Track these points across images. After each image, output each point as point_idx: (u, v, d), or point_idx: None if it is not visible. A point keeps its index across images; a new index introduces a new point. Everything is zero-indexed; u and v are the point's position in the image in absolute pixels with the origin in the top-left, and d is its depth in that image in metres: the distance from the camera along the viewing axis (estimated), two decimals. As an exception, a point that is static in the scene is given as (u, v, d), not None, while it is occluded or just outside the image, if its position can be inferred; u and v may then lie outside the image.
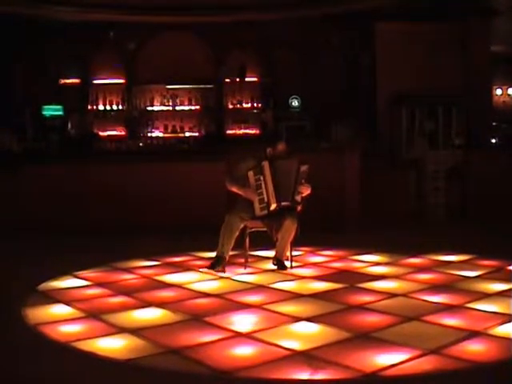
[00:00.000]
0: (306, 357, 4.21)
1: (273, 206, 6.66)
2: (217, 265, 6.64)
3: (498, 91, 16.29)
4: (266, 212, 6.68)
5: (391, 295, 5.67)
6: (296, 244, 6.93)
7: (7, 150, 9.87)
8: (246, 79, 14.08)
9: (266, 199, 6.66)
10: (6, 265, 7.25)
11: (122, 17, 13.10)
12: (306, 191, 6.81)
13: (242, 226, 6.67)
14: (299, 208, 6.79)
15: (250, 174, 6.72)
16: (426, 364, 4.07)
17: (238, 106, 14.14)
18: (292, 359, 4.19)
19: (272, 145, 6.89)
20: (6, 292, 6.03)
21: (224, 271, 6.64)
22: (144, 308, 5.40)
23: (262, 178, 6.67)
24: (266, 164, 6.71)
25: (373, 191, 9.43)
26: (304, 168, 6.77)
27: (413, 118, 13.04)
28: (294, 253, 7.04)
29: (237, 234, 6.67)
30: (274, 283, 6.16)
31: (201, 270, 6.81)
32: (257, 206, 6.69)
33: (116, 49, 13.85)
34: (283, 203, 6.68)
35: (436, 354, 4.21)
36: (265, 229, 6.80)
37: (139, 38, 13.85)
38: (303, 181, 6.79)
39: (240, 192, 6.80)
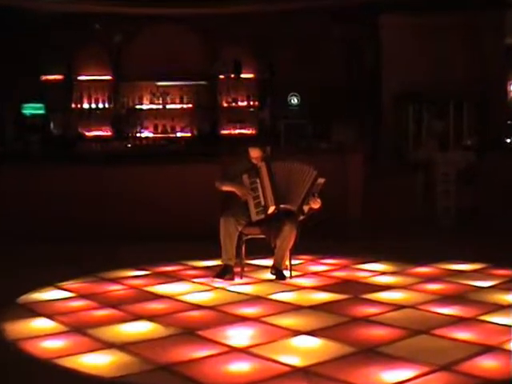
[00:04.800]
0: (306, 373, 4.20)
1: (271, 209, 6.67)
2: (225, 273, 6.68)
3: (513, 87, 16.32)
4: (262, 216, 6.69)
5: (398, 307, 5.67)
6: (295, 252, 6.92)
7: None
8: (242, 75, 14.10)
9: (262, 203, 6.67)
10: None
11: (109, 8, 13.11)
12: (315, 205, 6.78)
13: (239, 228, 6.68)
14: (301, 218, 6.77)
15: (245, 177, 6.75)
16: (436, 381, 4.07)
17: (233, 104, 14.16)
18: (291, 376, 4.18)
19: (253, 147, 6.90)
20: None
21: (233, 279, 6.67)
22: (132, 321, 5.38)
23: (258, 181, 6.68)
24: (262, 165, 6.73)
25: (378, 195, 9.44)
26: (321, 181, 6.74)
27: (421, 117, 13.06)
28: (294, 261, 7.03)
29: (237, 236, 6.68)
30: (272, 294, 6.16)
31: (194, 279, 6.82)
32: (253, 210, 6.70)
33: (102, 43, 13.86)
34: (282, 206, 6.69)
35: (446, 370, 4.21)
36: (262, 236, 6.80)
37: (127, 30, 13.85)
38: (316, 194, 6.76)
39: (233, 189, 6.80)
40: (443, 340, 4.80)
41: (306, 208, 6.76)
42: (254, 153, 6.88)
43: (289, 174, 6.75)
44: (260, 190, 6.69)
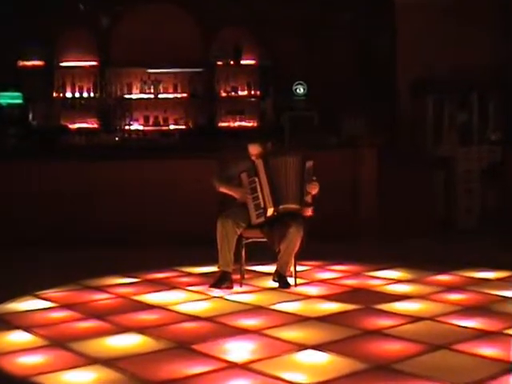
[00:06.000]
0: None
1: (270, 211, 6.67)
2: (222, 281, 6.68)
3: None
4: (262, 219, 6.69)
5: (415, 319, 5.66)
6: (301, 257, 6.93)
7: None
8: (242, 62, 14.06)
9: (262, 204, 6.67)
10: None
11: (95, -14, 13.10)
12: (314, 190, 6.80)
13: (238, 231, 6.67)
14: (310, 211, 6.77)
15: (244, 176, 6.75)
16: (458, 401, 4.07)
17: (233, 93, 14.11)
18: (297, 395, 4.18)
19: (252, 143, 6.90)
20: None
21: (232, 287, 6.67)
22: (120, 334, 5.38)
23: (256, 180, 6.68)
24: (259, 162, 6.73)
25: (393, 194, 9.43)
26: (310, 164, 6.79)
27: (441, 108, 13.02)
28: (299, 267, 7.04)
29: (235, 239, 6.68)
30: (274, 304, 6.17)
31: (189, 288, 6.81)
32: (252, 212, 6.70)
33: (87, 25, 13.81)
34: (285, 206, 6.69)
35: (469, 389, 4.20)
36: (264, 239, 6.79)
37: (114, 11, 13.82)
38: (314, 178, 6.79)
39: (230, 192, 6.83)
40: (465, 356, 4.78)
41: (308, 199, 6.76)
42: (254, 149, 6.89)
43: (285, 169, 6.75)
44: (259, 190, 6.68)
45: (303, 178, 6.74)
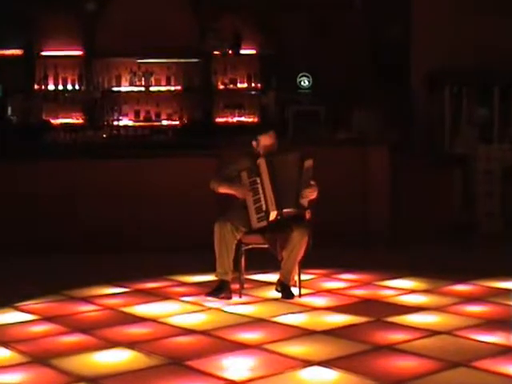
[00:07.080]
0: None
1: (272, 215, 6.67)
2: (220, 291, 6.68)
3: None
4: (264, 223, 6.69)
5: (431, 333, 5.66)
6: (306, 265, 6.93)
7: None
8: (241, 51, 14.08)
9: (264, 207, 6.66)
10: None
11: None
12: (312, 195, 6.79)
13: (237, 237, 6.67)
14: (308, 215, 6.77)
15: (244, 175, 6.74)
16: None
17: (231, 86, 14.13)
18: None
19: (258, 136, 6.88)
20: None
21: (230, 297, 6.69)
22: (108, 349, 5.38)
23: (258, 181, 6.68)
24: (262, 161, 6.72)
25: (406, 196, 9.43)
26: (309, 163, 6.77)
27: (459, 103, 13.03)
28: (304, 276, 7.04)
29: (234, 245, 6.68)
30: (277, 316, 6.17)
31: (183, 298, 6.80)
32: (253, 216, 6.70)
33: (71, 10, 13.82)
34: (285, 210, 6.69)
35: (491, 410, 4.21)
36: (265, 245, 6.79)
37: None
38: (312, 182, 6.77)
39: (231, 190, 6.81)
40: (486, 374, 4.77)
41: (304, 201, 6.75)
42: (266, 140, 6.85)
43: (286, 169, 6.75)
44: (261, 191, 6.68)
45: (301, 179, 6.73)
